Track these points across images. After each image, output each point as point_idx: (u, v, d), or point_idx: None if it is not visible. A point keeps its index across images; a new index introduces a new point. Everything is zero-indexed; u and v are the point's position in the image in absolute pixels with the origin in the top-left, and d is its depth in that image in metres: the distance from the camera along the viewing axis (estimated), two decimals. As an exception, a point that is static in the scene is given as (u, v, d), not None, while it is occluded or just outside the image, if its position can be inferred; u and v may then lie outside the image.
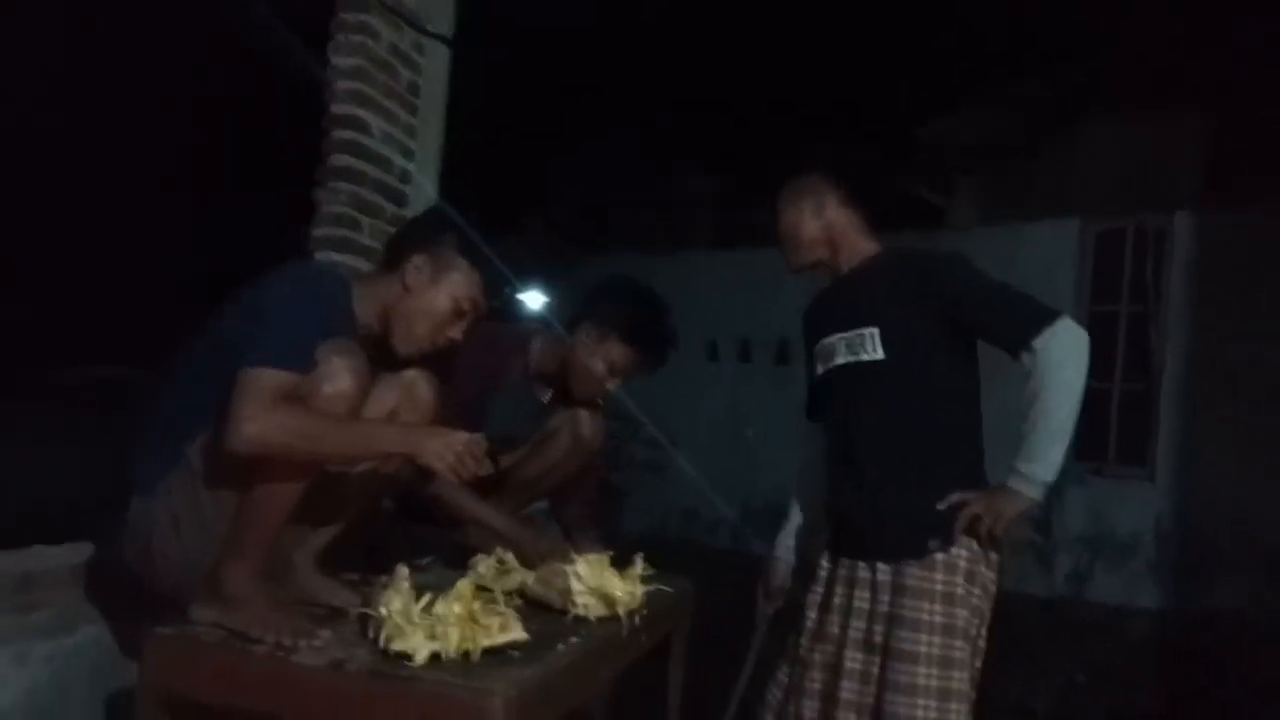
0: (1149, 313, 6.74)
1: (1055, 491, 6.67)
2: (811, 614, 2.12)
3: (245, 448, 1.55)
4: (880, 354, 1.99)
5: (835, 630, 2.04)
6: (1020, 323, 1.88)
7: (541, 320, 2.50)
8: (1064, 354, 1.84)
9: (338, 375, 1.64)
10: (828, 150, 2.17)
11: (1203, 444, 6.37)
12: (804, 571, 2.29)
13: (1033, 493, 1.87)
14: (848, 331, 2.05)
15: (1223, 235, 6.37)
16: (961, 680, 1.88)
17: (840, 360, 2.07)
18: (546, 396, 2.55)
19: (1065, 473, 6.17)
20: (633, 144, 7.61)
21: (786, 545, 2.34)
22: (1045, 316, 1.87)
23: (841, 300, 2.11)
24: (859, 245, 2.09)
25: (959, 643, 1.88)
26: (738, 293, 8.18)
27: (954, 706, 1.86)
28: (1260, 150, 6.09)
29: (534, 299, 8.16)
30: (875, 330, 2.00)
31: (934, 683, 1.87)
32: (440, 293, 1.86)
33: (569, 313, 2.52)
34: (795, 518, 2.35)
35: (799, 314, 2.31)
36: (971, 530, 1.89)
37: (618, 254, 8.51)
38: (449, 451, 1.70)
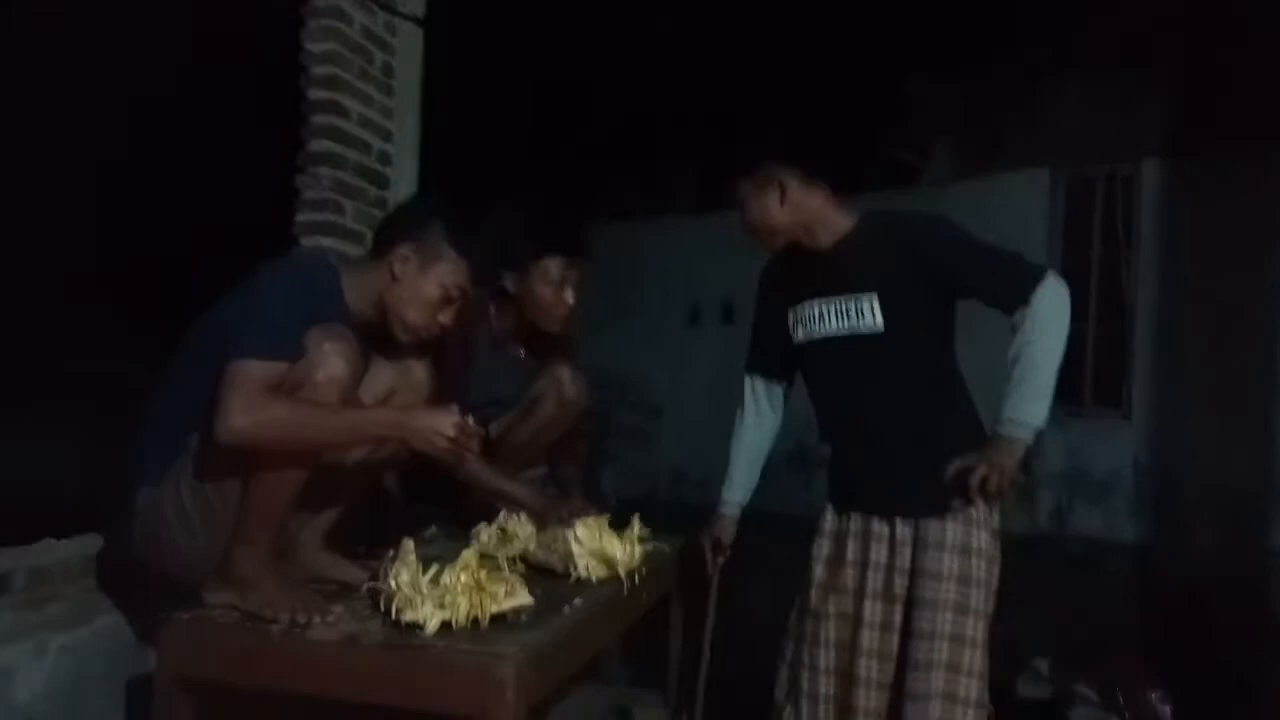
0: (1120, 258, 6.85)
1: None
2: (818, 568, 2.18)
3: (234, 440, 1.58)
4: (880, 320, 2.03)
5: (850, 583, 2.11)
6: (1015, 282, 1.96)
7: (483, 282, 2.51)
8: (1053, 308, 1.93)
9: (329, 360, 1.66)
10: (773, 134, 2.22)
11: (1176, 385, 6.50)
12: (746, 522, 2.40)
13: (1028, 438, 1.95)
14: (838, 297, 2.08)
15: (1189, 180, 6.45)
16: (976, 627, 1.98)
17: (833, 329, 2.10)
18: (520, 352, 2.61)
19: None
20: (611, 109, 7.59)
21: (730, 501, 2.41)
22: (1036, 273, 1.96)
23: (828, 267, 2.11)
24: (832, 219, 2.10)
25: (974, 591, 1.99)
26: (719, 256, 8.19)
27: (967, 651, 1.97)
28: (1223, 97, 6.18)
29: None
30: (874, 296, 2.03)
31: (949, 628, 1.97)
32: (428, 282, 1.88)
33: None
34: (738, 471, 2.40)
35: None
36: (982, 488, 1.96)
37: (597, 222, 8.54)
38: (439, 435, 1.74)
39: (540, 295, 2.46)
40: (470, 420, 1.81)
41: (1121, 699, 3.02)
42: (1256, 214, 6.12)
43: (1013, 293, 1.96)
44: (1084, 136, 6.87)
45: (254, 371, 1.60)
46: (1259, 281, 6.11)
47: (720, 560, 2.44)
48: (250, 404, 1.57)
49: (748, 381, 2.37)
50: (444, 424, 1.75)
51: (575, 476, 2.84)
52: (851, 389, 2.14)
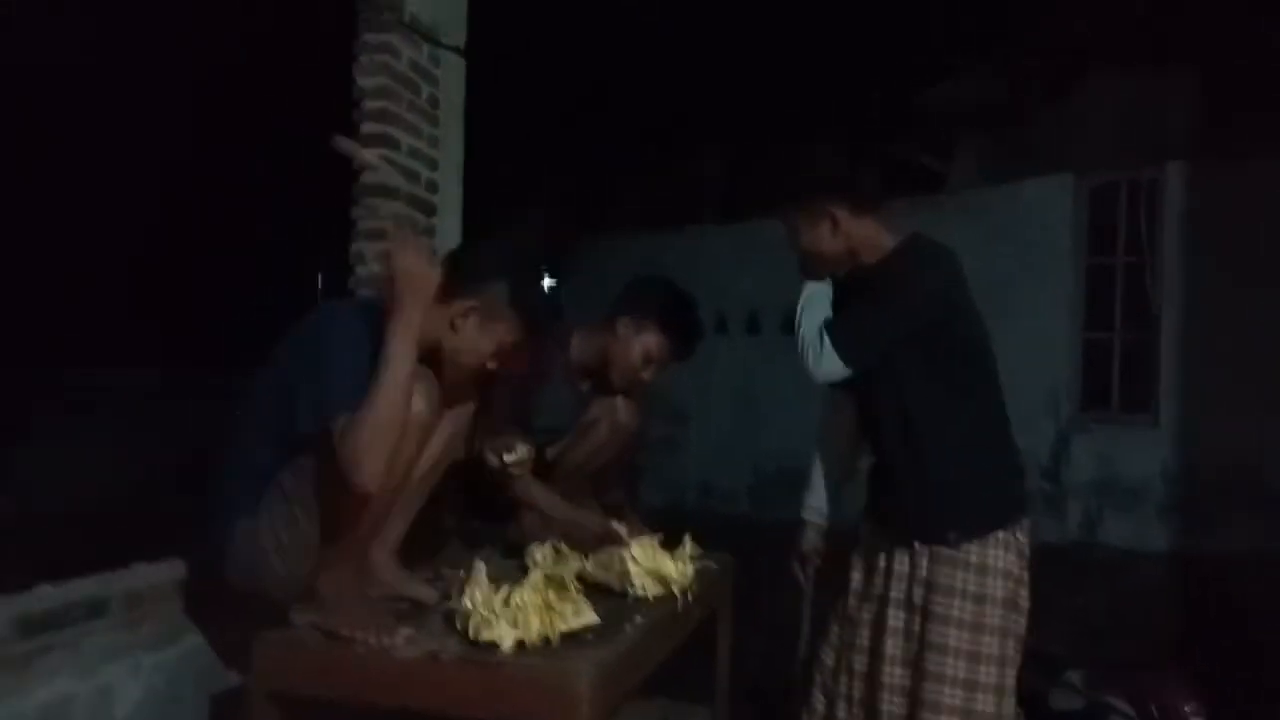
0: (1145, 263, 6.84)
1: (1062, 441, 6.86)
2: (856, 574, 2.25)
3: (373, 486, 1.69)
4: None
5: (879, 590, 2.17)
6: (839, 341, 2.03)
7: (566, 313, 2.67)
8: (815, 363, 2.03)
9: (416, 399, 1.79)
10: (829, 161, 2.16)
11: (1204, 389, 6.48)
12: (831, 530, 2.42)
13: None
14: None
15: (1214, 184, 6.45)
16: (992, 644, 2.01)
17: None
18: (586, 387, 2.72)
19: (1071, 422, 6.31)
20: (637, 122, 7.68)
21: (812, 508, 2.43)
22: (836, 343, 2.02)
23: (869, 284, 2.15)
24: (879, 242, 2.14)
25: (990, 609, 2.01)
26: (745, 265, 8.27)
27: (983, 669, 2.00)
28: (1248, 100, 6.17)
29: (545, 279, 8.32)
30: None
31: (965, 645, 2.00)
32: (486, 339, 2.00)
33: (579, 290, 2.69)
34: (818, 479, 2.43)
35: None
36: None
37: (623, 233, 8.64)
38: (424, 277, 1.80)
39: (629, 358, 2.58)
40: (521, 446, 1.92)
41: (1155, 711, 2.98)
42: (1282, 218, 6.15)
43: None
44: (1108, 140, 6.86)
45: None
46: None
47: (810, 570, 2.47)
48: (363, 453, 1.67)
49: (828, 394, 2.41)
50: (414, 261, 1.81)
51: (624, 500, 2.94)
52: (874, 405, 2.20)
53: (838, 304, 2.20)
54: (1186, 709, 2.96)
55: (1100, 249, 7.06)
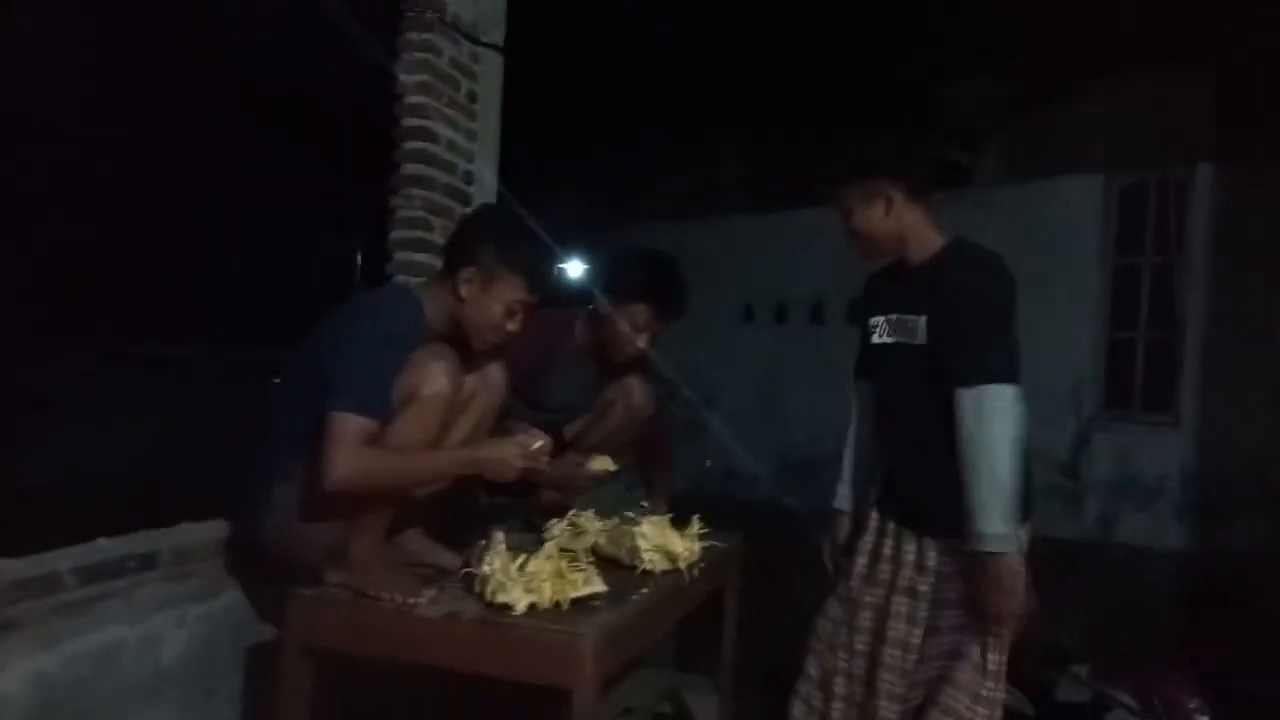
0: (1172, 263, 6.86)
1: (1082, 439, 6.89)
2: (862, 559, 2.34)
3: (337, 489, 1.82)
4: (924, 340, 2.16)
5: (885, 576, 2.27)
6: (968, 368, 2.01)
7: (583, 299, 2.77)
8: (983, 411, 1.97)
9: (435, 377, 1.92)
10: (888, 146, 2.22)
11: (1225, 391, 6.51)
12: (855, 519, 2.48)
13: (1001, 548, 1.97)
14: (904, 314, 2.21)
15: (1243, 185, 6.45)
16: (985, 643, 2.09)
17: (890, 338, 2.25)
18: (594, 366, 2.83)
19: (1092, 420, 6.32)
20: (664, 111, 7.76)
21: (845, 496, 2.51)
22: (991, 373, 1.98)
23: (903, 283, 2.23)
24: (928, 237, 2.20)
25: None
26: (771, 255, 8.36)
27: (990, 656, 2.09)
28: (1277, 100, 6.17)
29: (573, 269, 8.43)
30: (923, 319, 2.16)
31: (970, 621, 2.10)
32: (491, 301, 2.07)
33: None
34: (849, 470, 2.51)
35: (832, 273, 2.46)
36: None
37: (651, 222, 8.75)
38: (510, 466, 1.99)
39: (619, 330, 2.67)
40: (536, 439, 2.05)
41: (1159, 706, 3.04)
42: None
43: (958, 375, 2.02)
44: (1137, 139, 6.87)
45: (352, 426, 1.82)
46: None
47: (840, 559, 2.52)
48: (350, 458, 1.81)
49: (855, 388, 2.48)
50: (512, 454, 1.99)
51: (666, 481, 3.06)
52: (892, 395, 2.29)
53: (885, 299, 2.28)
54: (1191, 705, 3.02)
55: (1128, 249, 7.08)
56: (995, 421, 1.97)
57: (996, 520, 1.96)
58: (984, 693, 2.09)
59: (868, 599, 2.30)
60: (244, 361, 6.54)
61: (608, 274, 2.74)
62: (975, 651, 2.09)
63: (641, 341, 2.69)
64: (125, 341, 6.83)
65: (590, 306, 2.75)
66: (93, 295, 6.42)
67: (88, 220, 6.28)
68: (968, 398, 1.99)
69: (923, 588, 2.19)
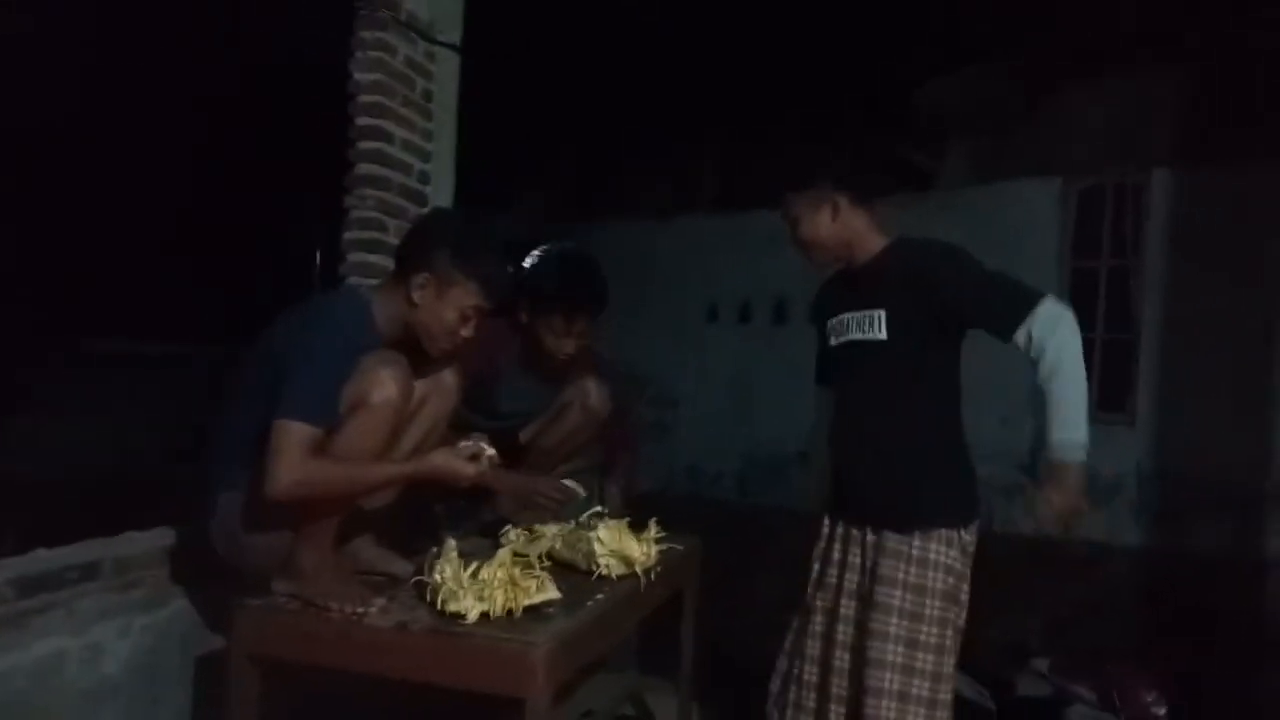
0: (1129, 266, 6.96)
1: (1042, 438, 6.97)
2: (815, 564, 2.37)
3: (280, 498, 1.78)
4: (884, 334, 2.19)
5: (834, 580, 2.29)
6: (1009, 310, 2.06)
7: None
8: (1051, 326, 2.02)
9: (385, 384, 1.88)
10: (833, 152, 2.28)
11: (1180, 391, 6.62)
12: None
13: (1075, 457, 2.05)
14: (859, 311, 2.25)
15: (1198, 190, 6.56)
16: (930, 634, 2.11)
17: (851, 336, 2.27)
18: (540, 372, 2.79)
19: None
20: (630, 112, 7.74)
21: (819, 499, 2.49)
22: (1030, 299, 2.05)
23: (855, 285, 2.28)
24: (871, 241, 2.25)
25: (930, 600, 2.12)
26: (737, 256, 8.38)
27: (920, 655, 2.11)
28: (1233, 108, 6.28)
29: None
30: (882, 312, 2.19)
31: (904, 632, 2.11)
32: (445, 306, 2.02)
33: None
34: (817, 477, 2.50)
35: (796, 275, 2.45)
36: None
37: (617, 222, 8.73)
38: (460, 475, 2.00)
39: (543, 339, 2.64)
40: (486, 447, 2.03)
41: (1118, 700, 3.08)
42: (1263, 224, 6.25)
43: (1006, 320, 2.05)
44: (1096, 143, 6.97)
45: (296, 435, 1.77)
46: (1263, 291, 6.24)
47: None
48: (294, 467, 1.77)
49: (818, 393, 2.50)
50: (459, 466, 1.99)
51: (626, 480, 3.04)
52: (849, 393, 2.32)
53: (839, 302, 2.31)
54: (1148, 699, 3.08)
55: (1086, 252, 7.18)
56: (1060, 330, 2.01)
57: (1083, 427, 2.03)
58: (914, 692, 2.10)
59: (819, 604, 2.32)
60: (195, 357, 6.48)
61: (526, 281, 2.68)
62: (906, 654, 2.11)
63: (569, 346, 2.66)
64: (73, 338, 6.72)
65: (515, 317, 2.70)
66: (35, 293, 6.31)
67: (33, 217, 6.17)
68: (1023, 333, 2.03)
69: (863, 590, 2.20)
